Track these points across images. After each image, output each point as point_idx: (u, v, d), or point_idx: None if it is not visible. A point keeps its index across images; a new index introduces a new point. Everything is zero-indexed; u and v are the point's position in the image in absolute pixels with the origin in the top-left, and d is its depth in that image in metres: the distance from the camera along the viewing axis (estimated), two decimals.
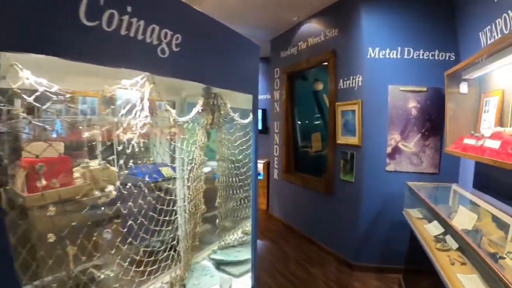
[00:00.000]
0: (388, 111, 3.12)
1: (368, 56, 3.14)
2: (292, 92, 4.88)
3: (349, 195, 3.44)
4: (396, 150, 3.15)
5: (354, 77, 3.31)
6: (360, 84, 3.23)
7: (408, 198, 2.90)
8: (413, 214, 2.77)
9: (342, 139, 3.54)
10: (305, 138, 5.12)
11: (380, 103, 3.13)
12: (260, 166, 6.06)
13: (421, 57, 3.10)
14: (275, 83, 5.15)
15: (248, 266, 2.14)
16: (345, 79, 3.45)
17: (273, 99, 5.24)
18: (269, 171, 5.51)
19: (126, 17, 0.97)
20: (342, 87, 3.52)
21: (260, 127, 6.33)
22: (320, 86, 4.77)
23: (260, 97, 6.50)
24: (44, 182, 1.15)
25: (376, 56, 3.14)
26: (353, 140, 3.34)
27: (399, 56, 3.12)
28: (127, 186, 1.34)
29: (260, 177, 5.95)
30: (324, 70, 3.99)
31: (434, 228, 2.37)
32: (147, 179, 1.46)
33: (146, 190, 1.44)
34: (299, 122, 5.17)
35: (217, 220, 2.43)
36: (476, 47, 2.61)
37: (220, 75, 1.70)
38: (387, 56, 3.13)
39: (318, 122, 5.06)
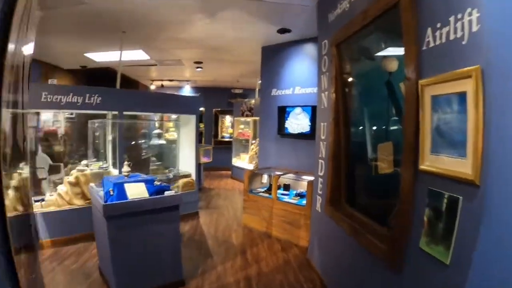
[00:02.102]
0: None
1: None
2: (347, 75, 3.08)
3: (434, 286, 1.53)
4: None
5: (459, 18, 1.39)
6: (474, 29, 1.30)
7: None
8: None
9: (432, 162, 1.58)
10: (372, 152, 3.19)
11: None
12: (304, 184, 4.35)
13: None
14: (322, 63, 3.41)
15: None
16: (438, 26, 1.54)
17: (321, 88, 3.50)
18: (313, 195, 3.77)
19: None
20: (431, 44, 1.60)
21: (308, 130, 4.63)
22: (393, 65, 2.79)
23: (310, 90, 4.78)
24: None
25: None
26: (460, 166, 1.36)
27: None
28: None
29: (301, 202, 4.24)
30: (396, 31, 2.10)
31: None
32: None
33: None
34: (373, 127, 3.26)
35: None
36: None
37: None
38: None
39: (396, 127, 3.03)
